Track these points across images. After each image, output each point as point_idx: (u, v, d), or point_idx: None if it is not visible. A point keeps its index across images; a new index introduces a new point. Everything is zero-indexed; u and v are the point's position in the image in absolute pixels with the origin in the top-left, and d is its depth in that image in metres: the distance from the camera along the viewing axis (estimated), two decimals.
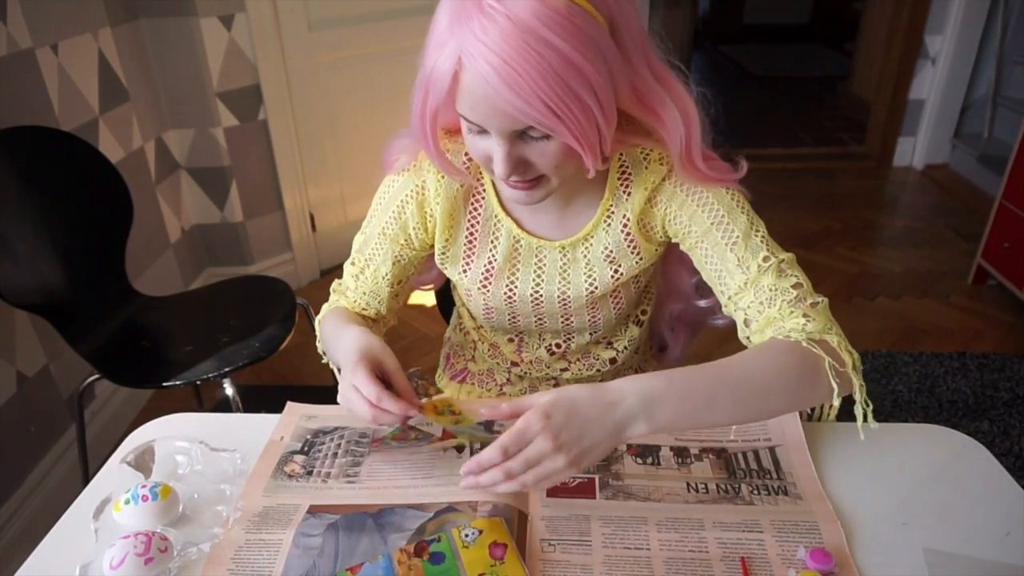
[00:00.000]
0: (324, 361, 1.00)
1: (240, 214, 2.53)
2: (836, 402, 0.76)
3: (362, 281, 0.96)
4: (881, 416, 0.81)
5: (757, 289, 0.81)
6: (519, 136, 0.72)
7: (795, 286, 0.80)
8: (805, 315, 0.78)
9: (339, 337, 0.87)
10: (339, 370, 0.94)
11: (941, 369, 2.16)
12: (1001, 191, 2.44)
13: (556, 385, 1.07)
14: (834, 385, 0.74)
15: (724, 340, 0.81)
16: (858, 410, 0.78)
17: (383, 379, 0.79)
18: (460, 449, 0.82)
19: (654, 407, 0.68)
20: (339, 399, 0.80)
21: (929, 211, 3.32)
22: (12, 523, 1.60)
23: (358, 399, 0.76)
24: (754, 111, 4.89)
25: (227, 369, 1.42)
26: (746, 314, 0.82)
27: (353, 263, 0.97)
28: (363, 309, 0.97)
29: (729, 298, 0.84)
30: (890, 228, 3.24)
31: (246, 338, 1.51)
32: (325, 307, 1.00)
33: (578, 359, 1.05)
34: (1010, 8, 3.30)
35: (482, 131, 0.72)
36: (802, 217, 3.28)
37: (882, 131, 3.77)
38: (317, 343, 0.99)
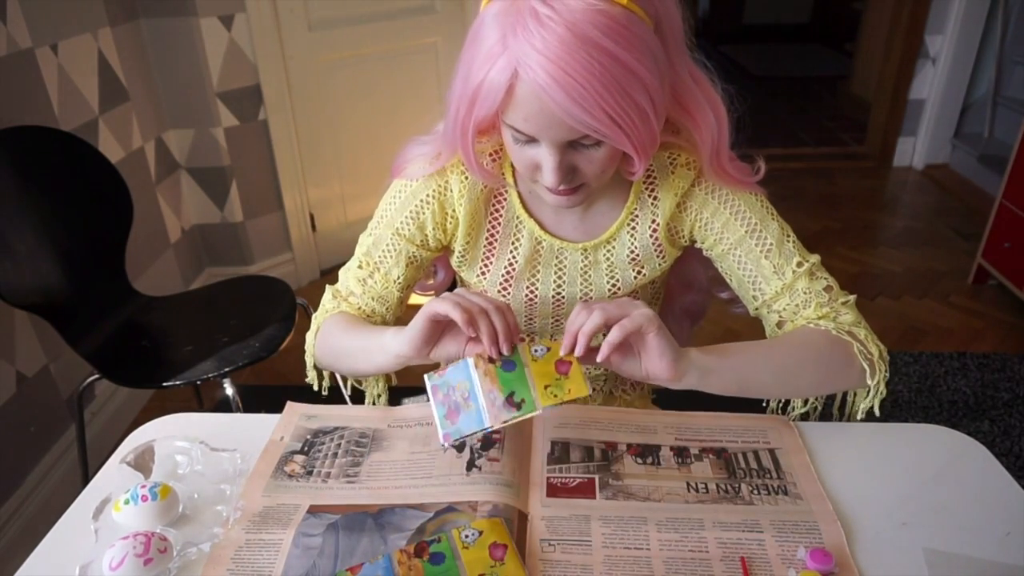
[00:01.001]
0: (309, 379, 0.94)
1: (240, 214, 2.53)
2: (871, 382, 0.82)
3: (370, 286, 0.91)
4: (881, 416, 0.82)
5: (792, 293, 0.85)
6: (569, 144, 0.72)
7: (827, 288, 0.85)
8: (837, 312, 0.83)
9: (374, 331, 0.83)
10: (342, 381, 0.94)
11: (941, 369, 2.16)
12: (1001, 191, 2.44)
13: None
14: (865, 367, 0.80)
15: (727, 335, 0.81)
16: (873, 400, 0.84)
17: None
18: (460, 449, 0.82)
19: (707, 364, 0.75)
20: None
21: (929, 211, 3.32)
22: (12, 523, 1.60)
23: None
24: (754, 111, 4.85)
25: (227, 369, 1.42)
26: (780, 316, 0.86)
27: (360, 266, 0.91)
28: (368, 316, 0.91)
29: (763, 302, 0.87)
30: (890, 228, 3.24)
31: (246, 338, 1.51)
32: (320, 315, 0.92)
33: None
34: (1010, 8, 3.30)
35: (530, 141, 0.72)
36: (802, 217, 3.28)
37: (882, 131, 3.77)
38: (308, 355, 0.92)
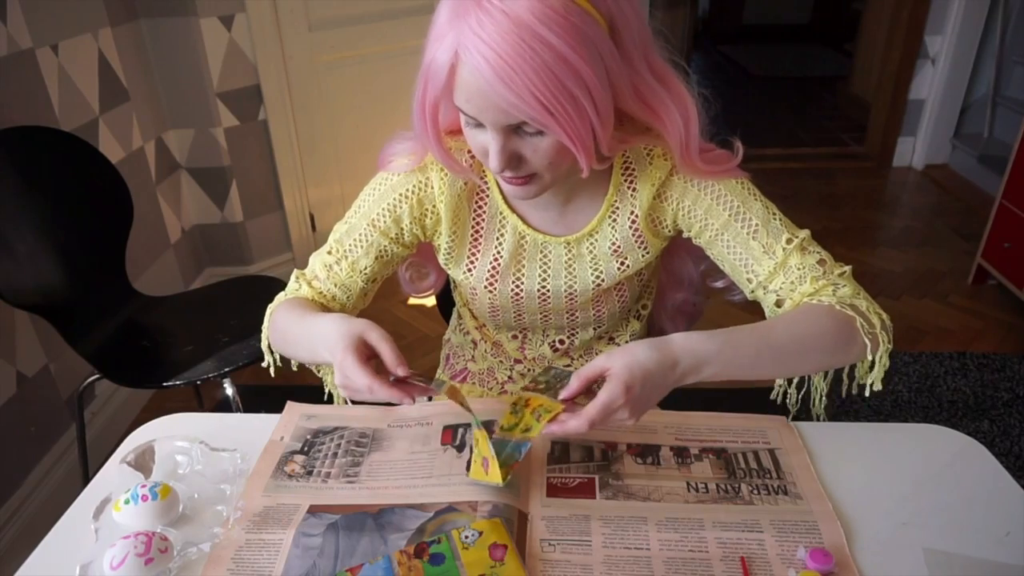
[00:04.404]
0: (265, 364, 0.94)
1: (240, 214, 2.53)
2: (870, 357, 0.82)
3: (335, 272, 0.92)
4: (881, 416, 0.82)
5: (786, 271, 0.85)
6: (514, 131, 0.72)
7: (820, 262, 0.85)
8: (835, 284, 0.83)
9: (310, 327, 0.83)
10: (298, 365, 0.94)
11: (941, 369, 2.16)
12: (1001, 191, 2.44)
13: None
14: (867, 342, 0.80)
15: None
16: (877, 373, 0.85)
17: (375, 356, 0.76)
18: (460, 449, 0.82)
19: (703, 368, 0.76)
20: (339, 392, 0.77)
21: (929, 211, 3.32)
22: (12, 523, 1.60)
23: (356, 392, 0.74)
24: (754, 111, 4.89)
25: (227, 369, 1.42)
26: (778, 295, 0.86)
27: (330, 252, 0.92)
28: (329, 301, 0.92)
29: (758, 284, 0.87)
30: (890, 228, 3.24)
31: (246, 338, 1.51)
32: (280, 296, 0.94)
33: (581, 355, 1.06)
34: (1010, 8, 3.30)
35: (479, 124, 0.73)
36: (802, 217, 3.23)
37: (882, 131, 3.77)
38: (263, 337, 0.93)
